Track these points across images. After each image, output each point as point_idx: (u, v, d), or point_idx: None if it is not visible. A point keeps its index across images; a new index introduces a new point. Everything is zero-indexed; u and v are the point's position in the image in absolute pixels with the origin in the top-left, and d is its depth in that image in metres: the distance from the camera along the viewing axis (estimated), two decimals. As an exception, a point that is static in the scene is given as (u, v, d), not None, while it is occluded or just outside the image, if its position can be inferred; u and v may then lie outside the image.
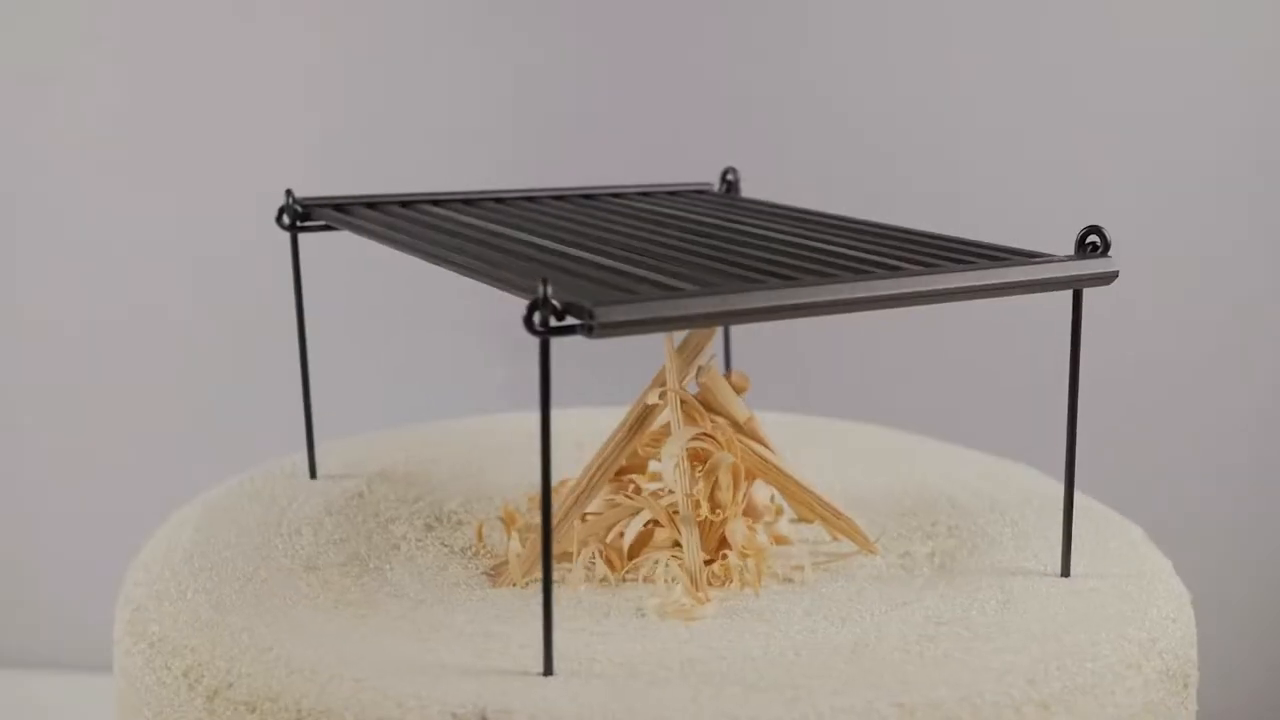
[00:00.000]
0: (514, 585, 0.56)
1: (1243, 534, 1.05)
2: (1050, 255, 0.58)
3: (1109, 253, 0.59)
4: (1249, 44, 0.99)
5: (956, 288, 0.52)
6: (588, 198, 0.72)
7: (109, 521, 1.10)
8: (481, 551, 0.60)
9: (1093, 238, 0.61)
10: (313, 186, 1.05)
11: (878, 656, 0.50)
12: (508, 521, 0.60)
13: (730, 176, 0.77)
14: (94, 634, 1.05)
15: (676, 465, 0.57)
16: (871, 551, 0.60)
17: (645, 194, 0.74)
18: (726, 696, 0.46)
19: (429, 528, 0.63)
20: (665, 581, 0.56)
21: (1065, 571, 0.58)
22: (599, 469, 0.58)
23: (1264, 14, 0.98)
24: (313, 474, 0.69)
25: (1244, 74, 0.99)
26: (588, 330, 0.44)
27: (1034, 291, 0.55)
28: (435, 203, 0.69)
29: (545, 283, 0.44)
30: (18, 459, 1.11)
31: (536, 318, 0.44)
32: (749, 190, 0.78)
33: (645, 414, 0.59)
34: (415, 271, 0.94)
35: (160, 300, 1.08)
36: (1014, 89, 1.01)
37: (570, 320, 0.45)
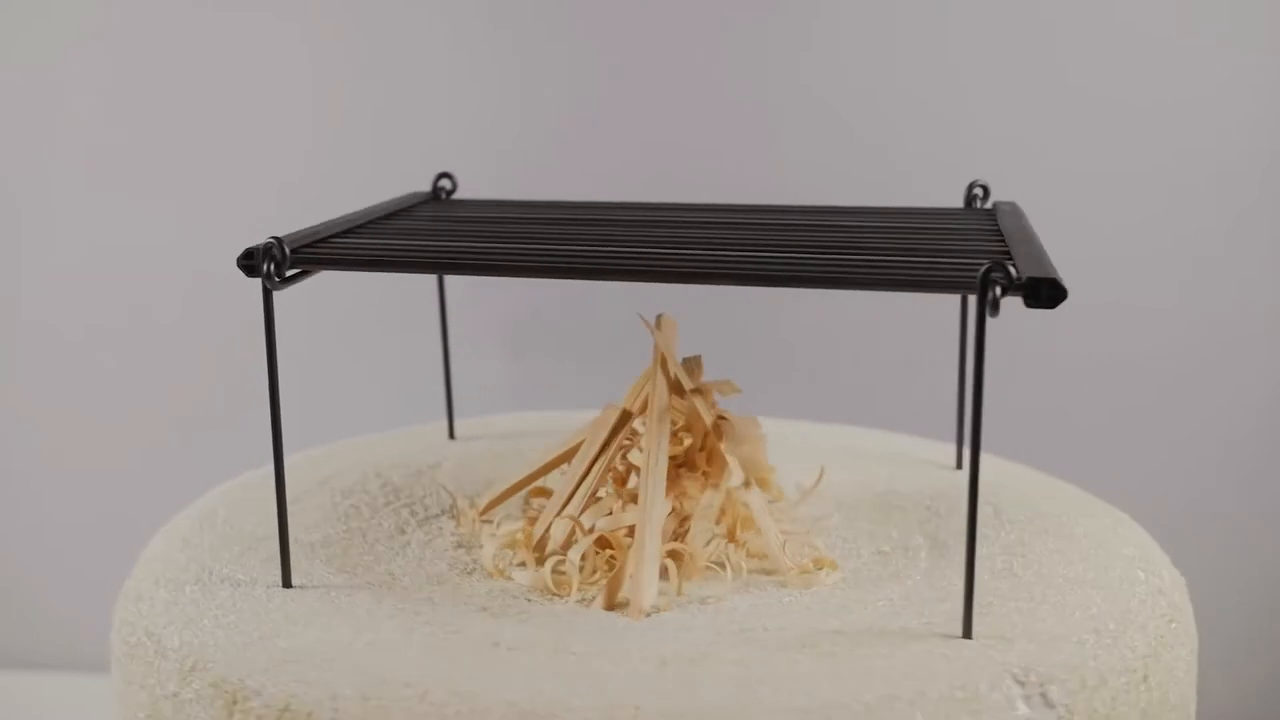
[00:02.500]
0: (653, 611, 0.54)
1: (1243, 534, 1.05)
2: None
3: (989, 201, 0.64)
4: (1254, 41, 0.99)
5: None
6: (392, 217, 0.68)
7: (109, 522, 1.10)
8: (500, 561, 0.59)
9: (976, 189, 0.65)
10: (312, 190, 1.05)
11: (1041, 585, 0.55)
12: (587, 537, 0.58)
13: (443, 183, 0.71)
14: (94, 634, 1.05)
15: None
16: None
17: (391, 215, 0.68)
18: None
19: (439, 534, 0.63)
20: (807, 563, 0.58)
21: (967, 473, 0.63)
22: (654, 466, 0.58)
23: (1266, 11, 0.98)
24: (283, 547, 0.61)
25: (1248, 70, 0.99)
26: (1051, 303, 0.47)
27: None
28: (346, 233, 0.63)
29: (1005, 265, 0.47)
30: (18, 460, 1.11)
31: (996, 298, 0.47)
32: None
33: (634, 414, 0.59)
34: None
35: (161, 304, 1.08)
36: (1010, 83, 1.01)
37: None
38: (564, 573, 0.57)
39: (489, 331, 1.05)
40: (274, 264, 0.52)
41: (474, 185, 1.01)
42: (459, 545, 0.62)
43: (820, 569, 0.58)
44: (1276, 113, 0.99)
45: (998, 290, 0.47)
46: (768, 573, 0.58)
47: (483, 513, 0.63)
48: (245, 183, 1.05)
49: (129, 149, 1.06)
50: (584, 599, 0.55)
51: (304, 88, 1.05)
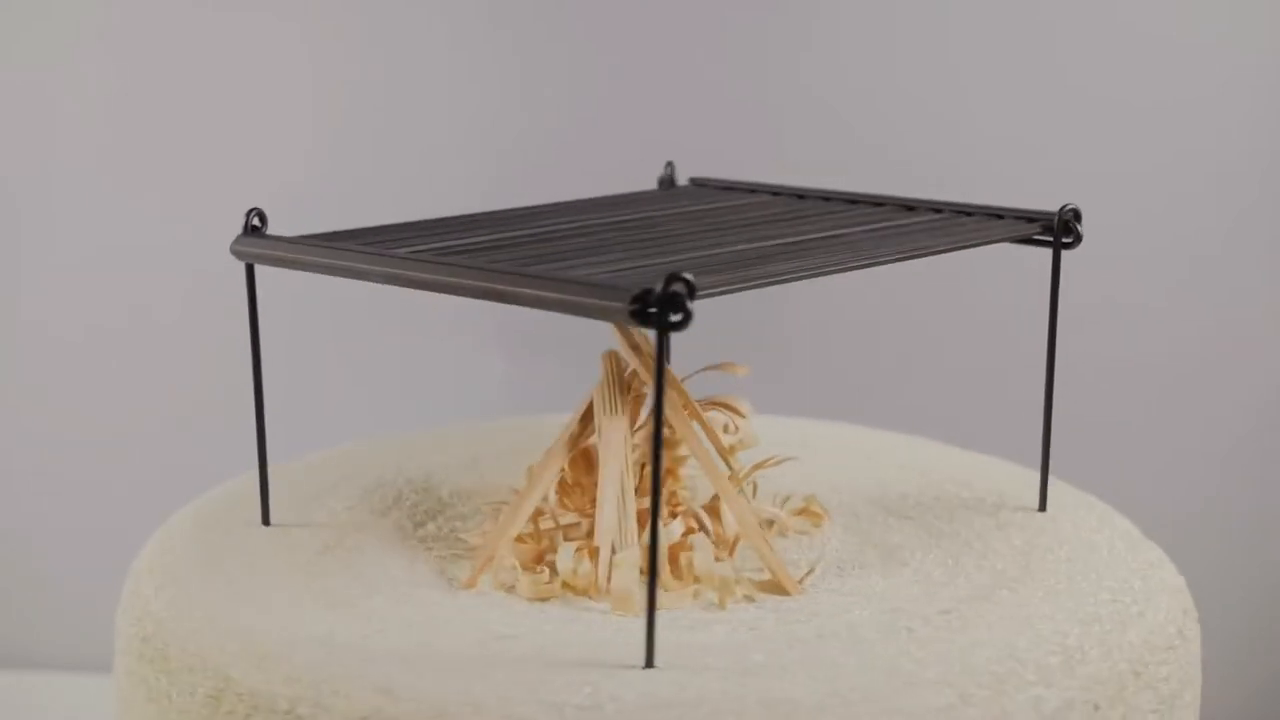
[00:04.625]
0: (799, 589, 0.56)
1: (1244, 534, 1.05)
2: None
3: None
4: (1254, 41, 0.99)
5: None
6: None
7: (110, 522, 1.10)
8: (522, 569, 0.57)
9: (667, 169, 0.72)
10: (312, 190, 1.05)
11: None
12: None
13: (255, 222, 0.64)
14: (94, 634, 1.05)
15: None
16: None
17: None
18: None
19: (445, 536, 0.63)
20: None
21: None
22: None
23: (1266, 11, 0.98)
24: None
25: (1248, 70, 0.99)
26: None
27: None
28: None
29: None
30: (18, 460, 1.11)
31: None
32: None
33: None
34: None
35: (161, 304, 1.08)
36: (1010, 83, 1.01)
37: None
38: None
39: (487, 333, 1.05)
40: (686, 301, 0.45)
41: (475, 185, 1.01)
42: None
43: (807, 510, 0.62)
44: (1276, 113, 0.99)
45: (1080, 227, 0.59)
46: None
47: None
48: (245, 183, 1.05)
49: (129, 149, 1.06)
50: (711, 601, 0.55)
51: (304, 88, 1.05)
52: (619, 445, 0.57)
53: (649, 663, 0.47)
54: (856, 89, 1.02)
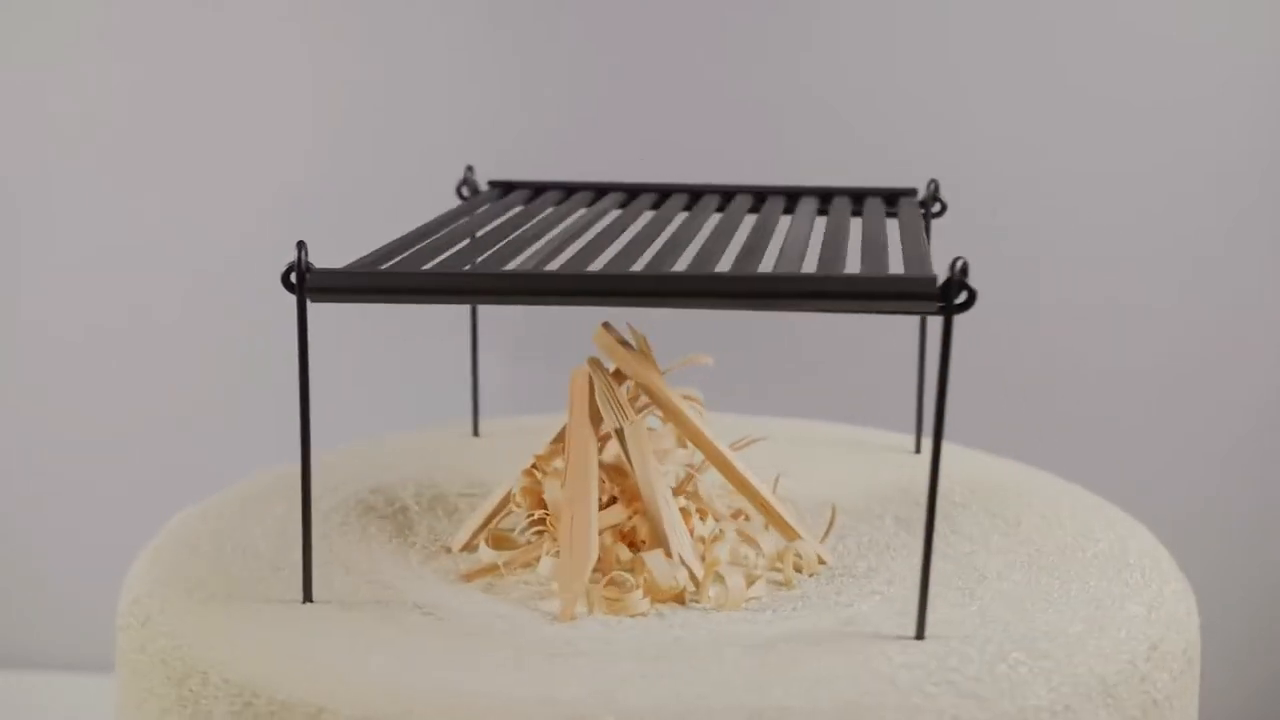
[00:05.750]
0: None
1: (1244, 534, 1.05)
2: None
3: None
4: (1254, 41, 0.99)
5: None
6: None
7: (110, 522, 1.10)
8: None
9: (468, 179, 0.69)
10: (312, 191, 1.05)
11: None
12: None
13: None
14: (94, 634, 1.05)
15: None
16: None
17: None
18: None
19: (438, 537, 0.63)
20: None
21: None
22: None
23: (1266, 11, 0.98)
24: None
25: (1248, 70, 0.99)
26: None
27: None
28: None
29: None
30: (18, 460, 1.11)
31: None
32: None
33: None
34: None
35: (161, 304, 1.08)
36: (1010, 83, 1.01)
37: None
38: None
39: (487, 333, 1.05)
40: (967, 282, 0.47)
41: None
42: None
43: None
44: (1276, 113, 0.99)
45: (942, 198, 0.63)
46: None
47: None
48: (245, 183, 1.05)
49: (129, 149, 1.06)
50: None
51: (304, 88, 1.05)
52: (646, 449, 0.56)
53: (920, 634, 0.49)
54: (856, 89, 1.02)
